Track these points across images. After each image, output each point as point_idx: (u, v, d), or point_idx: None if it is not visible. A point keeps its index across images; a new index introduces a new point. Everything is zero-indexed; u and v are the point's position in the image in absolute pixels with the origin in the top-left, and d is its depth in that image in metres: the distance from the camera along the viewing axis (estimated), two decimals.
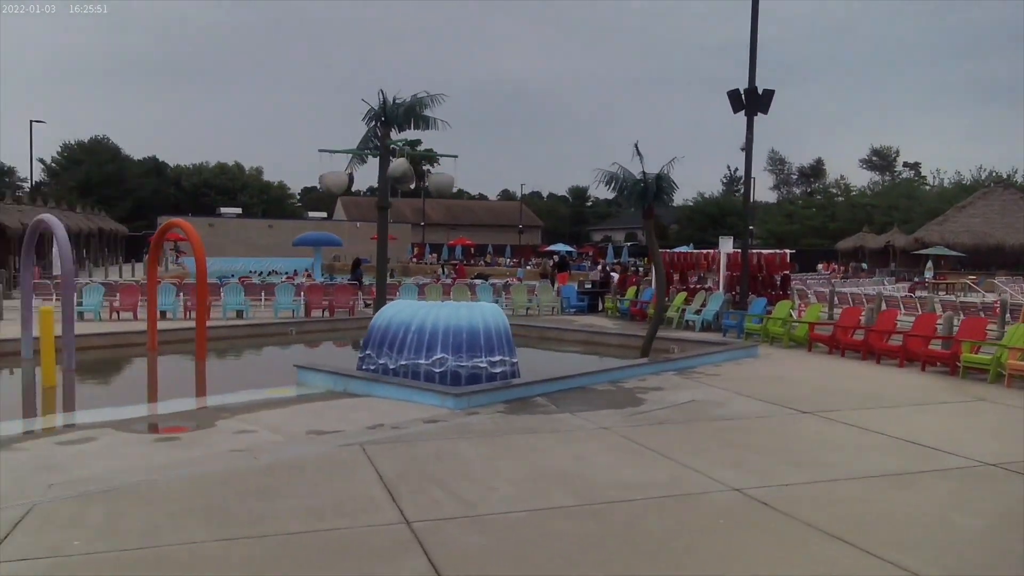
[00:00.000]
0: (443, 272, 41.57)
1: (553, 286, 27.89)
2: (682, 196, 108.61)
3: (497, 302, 19.15)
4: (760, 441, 8.09)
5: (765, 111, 19.33)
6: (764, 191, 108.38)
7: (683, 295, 21.69)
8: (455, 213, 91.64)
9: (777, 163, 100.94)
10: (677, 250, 28.84)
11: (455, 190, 20.32)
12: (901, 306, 23.00)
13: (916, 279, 41.20)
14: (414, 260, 63.00)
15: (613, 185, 14.35)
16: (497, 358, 10.81)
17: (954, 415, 9.71)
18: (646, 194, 14.27)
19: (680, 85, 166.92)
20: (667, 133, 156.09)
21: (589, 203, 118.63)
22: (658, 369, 12.71)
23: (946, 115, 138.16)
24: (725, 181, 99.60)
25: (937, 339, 13.84)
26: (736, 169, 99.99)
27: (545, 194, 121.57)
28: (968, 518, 5.79)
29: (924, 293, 37.03)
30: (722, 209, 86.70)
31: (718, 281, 22.24)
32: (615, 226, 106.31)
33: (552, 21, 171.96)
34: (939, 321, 15.44)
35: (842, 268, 53.24)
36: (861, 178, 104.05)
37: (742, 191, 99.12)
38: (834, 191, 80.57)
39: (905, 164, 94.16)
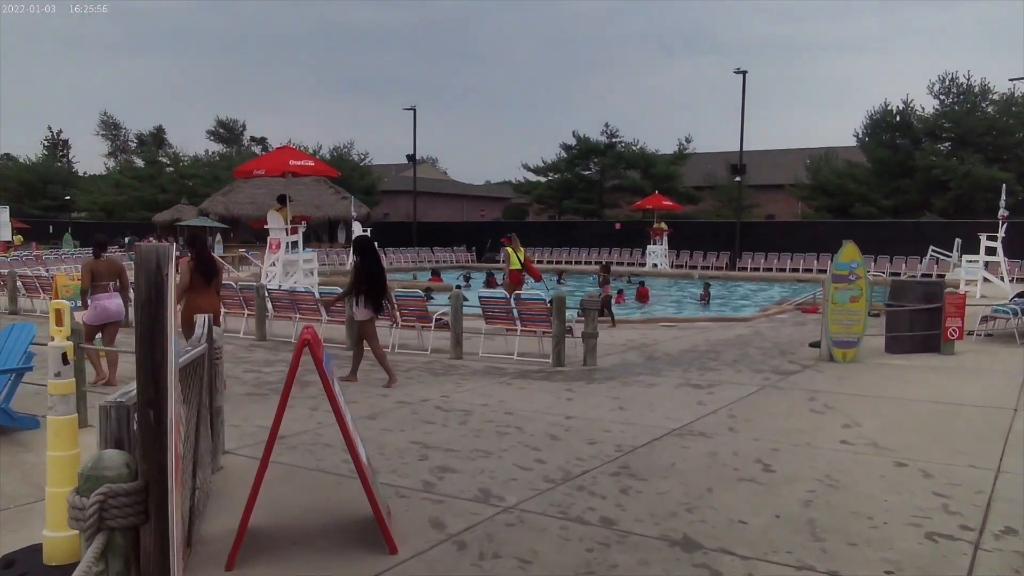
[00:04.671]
0: None
1: None
2: None
3: None
4: None
5: None
6: (99, 159, 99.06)
7: None
8: None
9: (112, 127, 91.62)
10: None
11: None
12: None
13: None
14: None
15: None
16: None
17: None
18: None
19: None
20: None
21: None
22: None
23: (297, 98, 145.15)
24: (47, 144, 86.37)
25: None
26: (60, 131, 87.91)
27: None
28: None
29: None
30: (41, 175, 74.43)
31: None
32: None
33: None
34: None
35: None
36: (208, 148, 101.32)
37: (68, 156, 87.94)
38: (164, 161, 75.07)
39: (252, 138, 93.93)
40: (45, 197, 71.75)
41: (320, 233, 46.58)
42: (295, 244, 18.70)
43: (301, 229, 19.05)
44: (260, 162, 20.12)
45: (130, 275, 8.60)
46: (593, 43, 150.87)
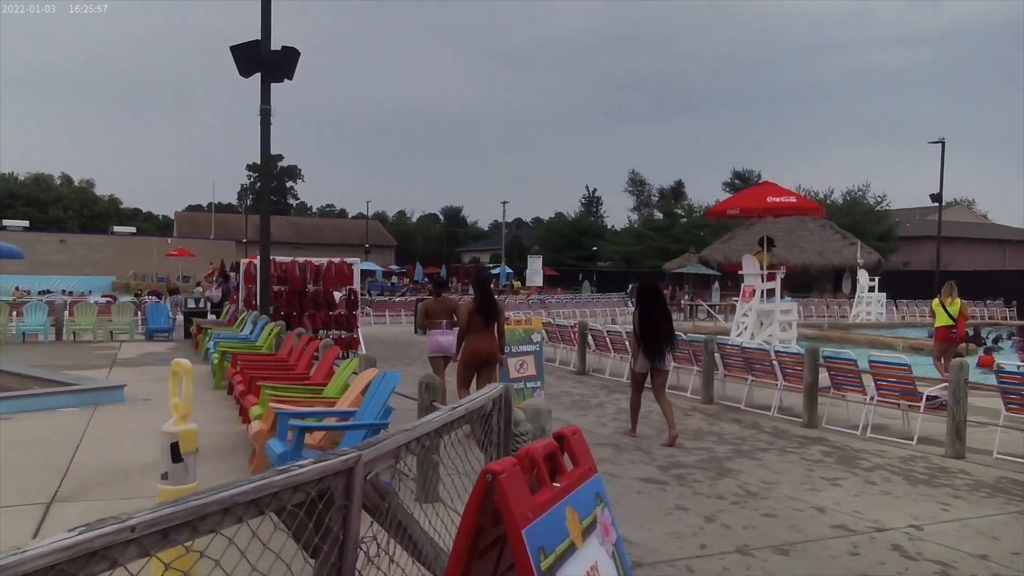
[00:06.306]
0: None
1: None
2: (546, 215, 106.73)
3: None
4: None
5: (291, 76, 14.90)
6: (624, 213, 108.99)
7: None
8: (302, 231, 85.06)
9: (638, 184, 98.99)
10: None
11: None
12: None
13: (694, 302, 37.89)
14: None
15: None
16: None
17: None
18: None
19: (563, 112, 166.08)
20: (537, 156, 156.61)
21: (474, 223, 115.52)
22: None
23: (815, 145, 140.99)
24: (584, 201, 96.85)
25: None
26: (595, 190, 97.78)
27: (417, 215, 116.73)
28: None
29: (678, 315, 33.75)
30: (577, 228, 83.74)
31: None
32: (487, 247, 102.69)
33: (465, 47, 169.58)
34: None
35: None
36: (720, 198, 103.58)
37: (599, 212, 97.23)
38: (679, 213, 78.29)
39: None
40: (578, 248, 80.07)
41: (823, 282, 42.83)
42: (771, 292, 16.47)
43: (779, 275, 16.72)
44: (735, 200, 18.32)
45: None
46: None
